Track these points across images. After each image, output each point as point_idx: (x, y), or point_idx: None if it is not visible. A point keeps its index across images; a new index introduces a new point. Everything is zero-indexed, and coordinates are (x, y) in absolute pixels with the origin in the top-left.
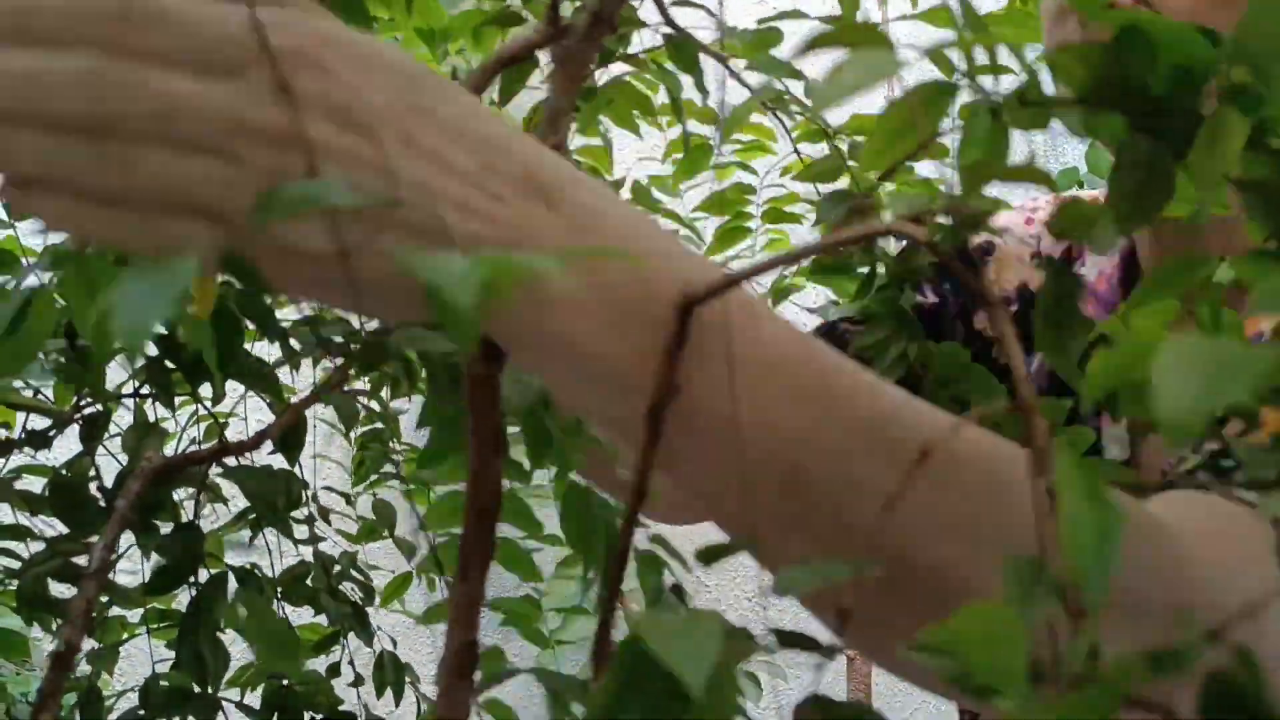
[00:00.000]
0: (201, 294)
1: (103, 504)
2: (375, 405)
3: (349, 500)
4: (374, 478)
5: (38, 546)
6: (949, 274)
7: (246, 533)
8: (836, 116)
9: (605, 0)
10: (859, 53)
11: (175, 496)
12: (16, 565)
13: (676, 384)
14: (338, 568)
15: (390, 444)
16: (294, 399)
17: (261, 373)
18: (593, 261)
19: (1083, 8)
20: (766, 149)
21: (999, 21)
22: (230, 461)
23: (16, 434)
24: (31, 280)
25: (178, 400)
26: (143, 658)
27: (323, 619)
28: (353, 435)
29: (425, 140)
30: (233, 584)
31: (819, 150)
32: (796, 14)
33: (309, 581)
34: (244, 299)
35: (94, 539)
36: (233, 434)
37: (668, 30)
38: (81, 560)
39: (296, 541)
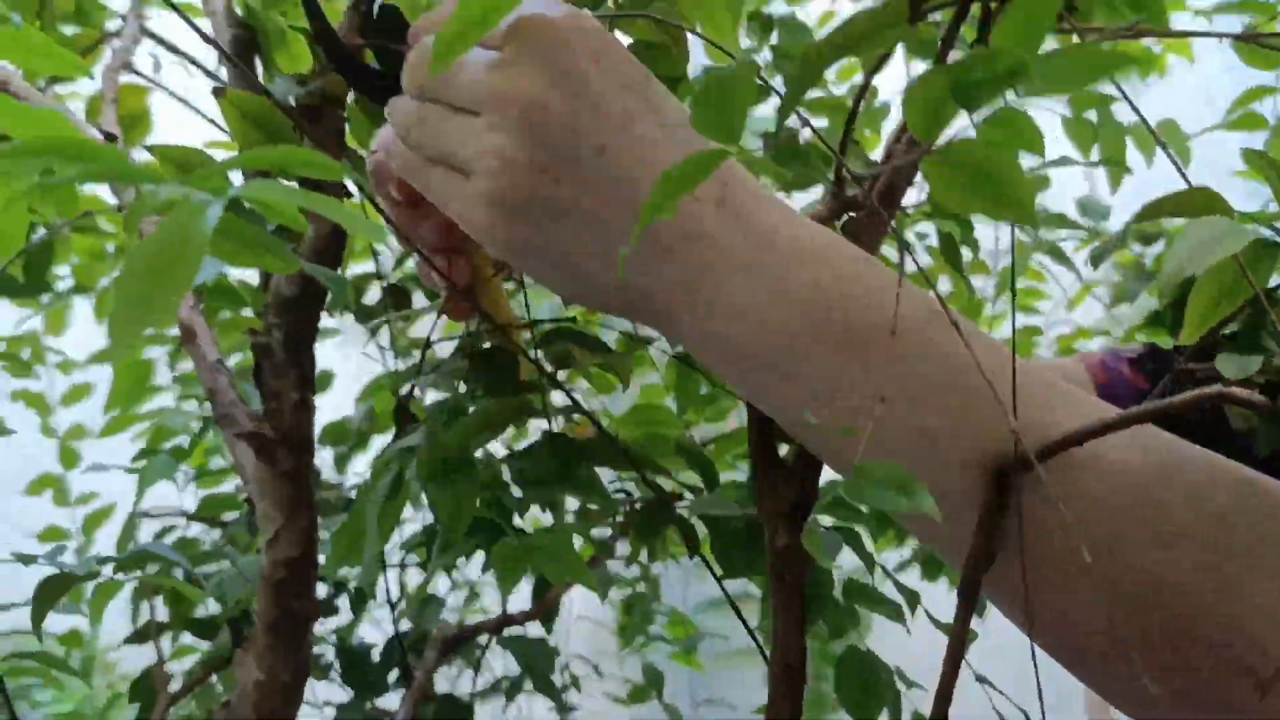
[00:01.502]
0: (495, 302)
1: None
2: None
3: (597, 669)
4: (640, 642)
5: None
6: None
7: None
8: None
9: (895, 171)
10: (1201, 222)
11: None
12: None
13: (992, 552)
14: None
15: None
16: None
17: None
18: (773, 272)
19: None
20: (1042, 293)
21: None
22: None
23: None
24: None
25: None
26: None
27: None
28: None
29: (642, 128)
30: None
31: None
32: (1065, 161)
33: None
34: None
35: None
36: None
37: None
38: None
39: (564, 707)
